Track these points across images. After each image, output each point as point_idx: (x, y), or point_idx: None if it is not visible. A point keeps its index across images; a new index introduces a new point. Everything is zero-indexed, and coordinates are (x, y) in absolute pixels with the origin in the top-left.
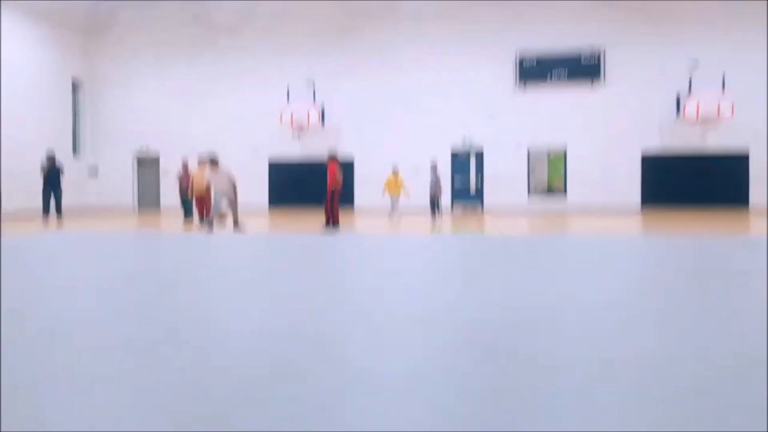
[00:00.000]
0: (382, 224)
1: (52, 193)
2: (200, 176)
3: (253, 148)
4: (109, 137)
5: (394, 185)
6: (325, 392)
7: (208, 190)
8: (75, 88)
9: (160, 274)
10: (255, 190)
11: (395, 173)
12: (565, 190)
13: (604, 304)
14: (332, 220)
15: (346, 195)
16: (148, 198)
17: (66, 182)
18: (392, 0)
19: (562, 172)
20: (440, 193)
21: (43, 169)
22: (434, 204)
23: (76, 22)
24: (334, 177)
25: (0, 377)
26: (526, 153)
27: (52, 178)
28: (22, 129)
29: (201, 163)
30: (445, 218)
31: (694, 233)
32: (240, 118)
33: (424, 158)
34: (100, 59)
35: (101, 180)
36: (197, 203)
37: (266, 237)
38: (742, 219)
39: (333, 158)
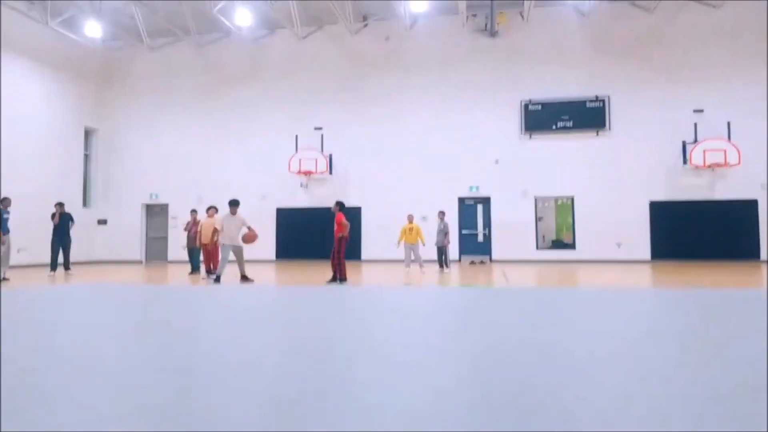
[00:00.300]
0: (390, 275)
1: (62, 244)
2: (208, 224)
3: (261, 196)
4: (119, 186)
5: (410, 234)
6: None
7: (215, 239)
8: (87, 136)
9: (157, 328)
10: (263, 238)
11: (411, 221)
12: (574, 240)
13: (613, 356)
14: (340, 274)
15: (353, 243)
16: (156, 248)
17: (75, 232)
18: (399, 49)
19: (570, 220)
20: (448, 242)
21: (53, 218)
22: (442, 254)
23: (90, 70)
24: (341, 225)
25: (0, 377)
26: (533, 201)
27: (62, 227)
28: (33, 179)
29: (209, 210)
30: (453, 269)
31: (705, 286)
32: (249, 167)
33: (431, 206)
34: (113, 108)
35: (109, 230)
36: (204, 253)
37: (275, 289)
38: (753, 271)
39: (340, 206)
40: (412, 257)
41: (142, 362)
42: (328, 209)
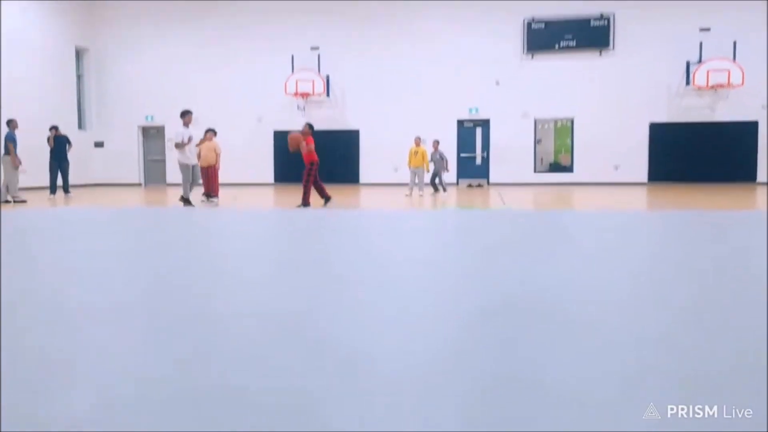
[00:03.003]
0: (390, 199)
1: (59, 167)
2: (207, 147)
3: (258, 118)
4: (114, 108)
5: (415, 156)
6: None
7: (216, 160)
8: (78, 57)
9: (158, 250)
10: (260, 160)
11: (418, 144)
12: (572, 162)
13: (612, 281)
14: (325, 194)
15: (351, 166)
16: (154, 171)
17: (72, 155)
18: None
19: (569, 143)
20: (443, 169)
21: (48, 142)
22: (436, 180)
23: None
24: (311, 150)
25: (0, 377)
26: (532, 123)
27: (59, 151)
28: (26, 102)
29: (208, 133)
30: (452, 192)
31: (703, 209)
32: (245, 88)
33: (429, 130)
34: (104, 27)
35: (107, 152)
36: (203, 176)
37: (271, 212)
38: (751, 193)
39: (310, 128)
40: (416, 181)
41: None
42: (326, 132)
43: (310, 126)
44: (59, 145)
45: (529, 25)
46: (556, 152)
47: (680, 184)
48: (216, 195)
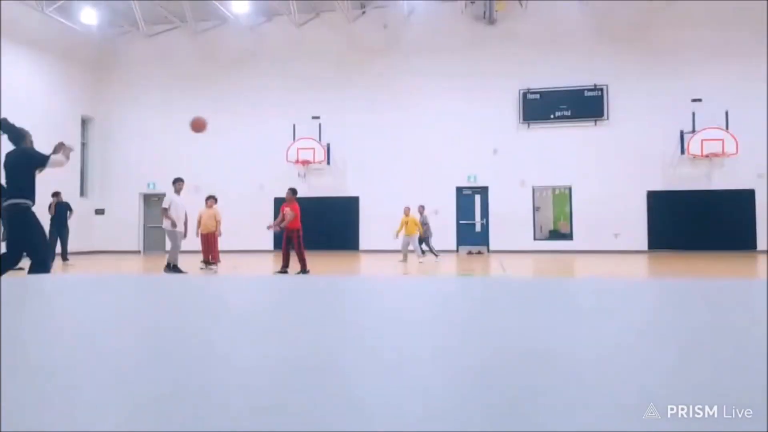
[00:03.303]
0: (389, 265)
1: (59, 235)
2: (208, 214)
3: (259, 185)
4: (116, 176)
5: (409, 226)
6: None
7: (216, 227)
8: (84, 125)
9: (154, 317)
10: (261, 228)
11: (407, 213)
12: (571, 230)
13: (611, 346)
14: (304, 266)
15: (351, 233)
16: (154, 238)
17: (73, 222)
18: (397, 36)
19: (568, 210)
20: (430, 234)
21: (50, 209)
22: (421, 243)
23: (86, 57)
24: (296, 216)
25: (0, 377)
26: (530, 191)
27: (59, 218)
28: None
29: (209, 200)
30: (452, 259)
31: (704, 276)
32: (247, 156)
33: (429, 197)
34: (109, 96)
35: (107, 220)
36: (203, 243)
37: (268, 279)
38: (750, 261)
39: (292, 194)
40: (411, 247)
41: (140, 358)
42: (326, 199)
43: (293, 191)
44: (60, 213)
45: (525, 95)
46: (555, 220)
47: (681, 252)
48: (215, 262)
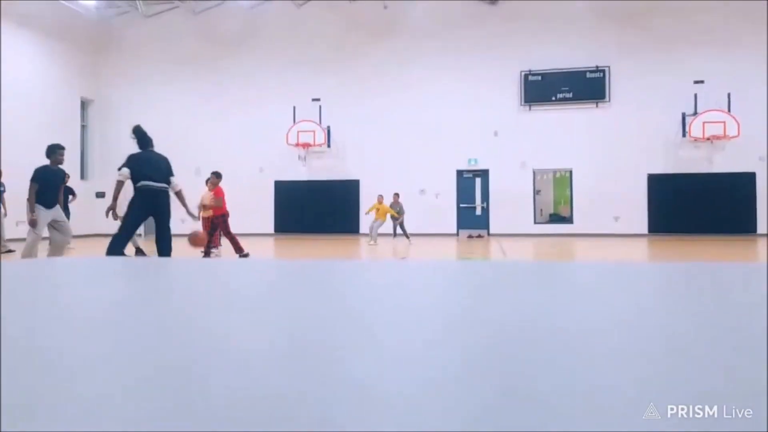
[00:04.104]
0: (387, 248)
1: None
2: (208, 196)
3: (259, 168)
4: (117, 158)
5: (380, 212)
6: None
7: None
8: (83, 107)
9: (155, 301)
10: (261, 210)
11: (381, 201)
12: (572, 213)
13: (611, 329)
14: (240, 250)
15: (351, 216)
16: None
17: (74, 206)
18: (397, 17)
19: (568, 193)
20: (402, 218)
21: None
22: (396, 228)
23: (84, 38)
24: (223, 202)
25: (0, 377)
26: (531, 174)
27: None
28: (30, 151)
29: (210, 181)
30: (452, 244)
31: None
32: (247, 138)
33: (429, 180)
34: (108, 77)
35: (108, 202)
36: (204, 224)
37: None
38: (750, 245)
39: (217, 178)
40: (377, 230)
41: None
42: (327, 182)
43: (217, 175)
44: (62, 195)
45: (526, 77)
46: (556, 203)
47: (681, 236)
48: (216, 246)
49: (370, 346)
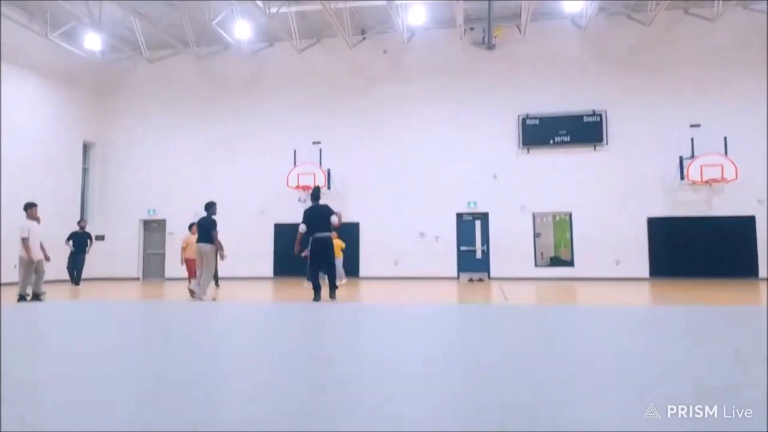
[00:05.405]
0: (388, 291)
1: (74, 263)
2: (194, 240)
3: (260, 211)
4: (117, 201)
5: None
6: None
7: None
8: (86, 150)
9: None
10: (260, 253)
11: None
12: (572, 257)
13: (612, 372)
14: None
15: (352, 259)
16: (153, 265)
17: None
18: (397, 62)
19: (568, 236)
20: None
21: (67, 242)
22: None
23: (89, 83)
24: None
25: (0, 377)
26: (531, 217)
27: (79, 245)
28: (31, 192)
29: (192, 227)
30: (452, 287)
31: (706, 303)
32: (247, 181)
33: (429, 222)
34: (111, 121)
35: (107, 246)
36: (188, 269)
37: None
38: (752, 289)
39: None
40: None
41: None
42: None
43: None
44: (81, 240)
45: (524, 120)
46: (556, 246)
47: (683, 279)
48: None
49: (373, 397)
